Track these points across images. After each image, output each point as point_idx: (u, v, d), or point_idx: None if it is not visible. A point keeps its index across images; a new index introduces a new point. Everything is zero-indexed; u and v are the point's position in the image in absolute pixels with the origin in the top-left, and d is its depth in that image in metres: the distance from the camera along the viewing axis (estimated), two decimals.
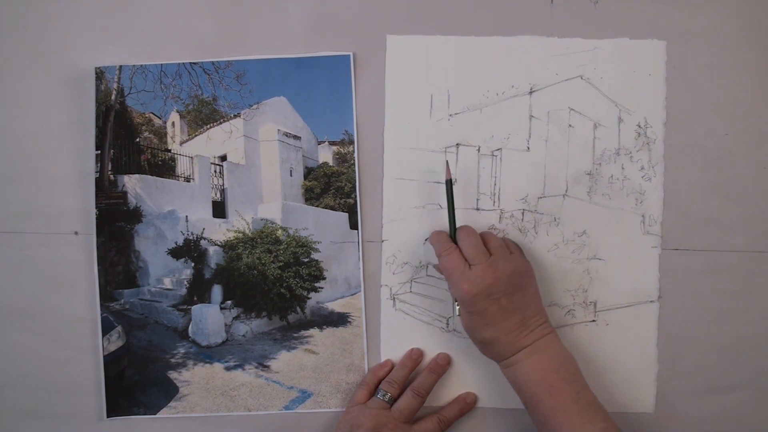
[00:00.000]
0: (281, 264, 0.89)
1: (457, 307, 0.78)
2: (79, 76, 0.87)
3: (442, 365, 0.86)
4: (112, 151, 0.88)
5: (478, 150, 0.88)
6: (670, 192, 0.87)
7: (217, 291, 0.89)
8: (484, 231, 0.82)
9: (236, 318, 0.89)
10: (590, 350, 0.86)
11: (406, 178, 0.88)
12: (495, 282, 0.74)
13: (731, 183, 0.86)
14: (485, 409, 0.88)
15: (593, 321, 0.87)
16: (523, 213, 0.88)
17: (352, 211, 0.88)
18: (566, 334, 0.86)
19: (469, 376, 0.87)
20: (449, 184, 0.81)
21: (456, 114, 0.88)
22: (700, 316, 0.87)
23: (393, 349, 0.88)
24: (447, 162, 0.83)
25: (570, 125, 0.87)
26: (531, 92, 0.87)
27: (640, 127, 0.87)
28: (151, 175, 0.89)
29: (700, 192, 0.87)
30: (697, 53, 0.86)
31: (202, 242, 0.89)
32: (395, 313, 0.89)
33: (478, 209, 0.88)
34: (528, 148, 0.87)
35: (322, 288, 0.89)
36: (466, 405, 0.86)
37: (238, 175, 0.90)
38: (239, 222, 0.89)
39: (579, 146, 0.87)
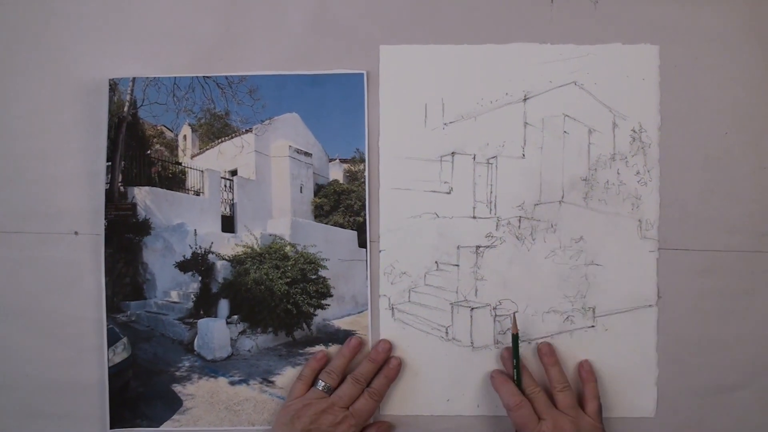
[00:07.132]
0: (288, 280, 0.89)
1: None
2: (93, 86, 0.88)
3: (381, 353, 0.86)
4: (123, 162, 0.88)
5: (474, 158, 0.89)
6: (666, 192, 0.87)
7: (223, 305, 0.89)
8: (559, 387, 0.84)
9: (242, 333, 0.89)
10: (590, 356, 0.87)
11: (402, 188, 0.89)
12: None
13: (728, 184, 0.88)
14: (481, 416, 0.89)
15: (592, 326, 0.88)
16: (519, 220, 0.88)
17: (361, 230, 0.89)
18: (565, 340, 0.88)
19: (469, 383, 0.88)
20: (515, 338, 0.84)
21: (451, 122, 0.89)
22: (699, 317, 0.88)
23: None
24: (514, 314, 0.86)
25: (565, 131, 0.88)
26: (525, 99, 0.88)
27: (634, 131, 0.88)
28: (161, 187, 0.89)
29: (697, 194, 0.88)
30: (689, 57, 0.88)
31: (210, 256, 0.89)
32: (394, 323, 0.89)
33: (474, 217, 0.89)
34: (523, 155, 0.89)
35: (328, 305, 0.90)
36: (391, 370, 0.86)
37: (248, 190, 0.90)
38: (248, 237, 0.90)
39: (574, 152, 0.88)
